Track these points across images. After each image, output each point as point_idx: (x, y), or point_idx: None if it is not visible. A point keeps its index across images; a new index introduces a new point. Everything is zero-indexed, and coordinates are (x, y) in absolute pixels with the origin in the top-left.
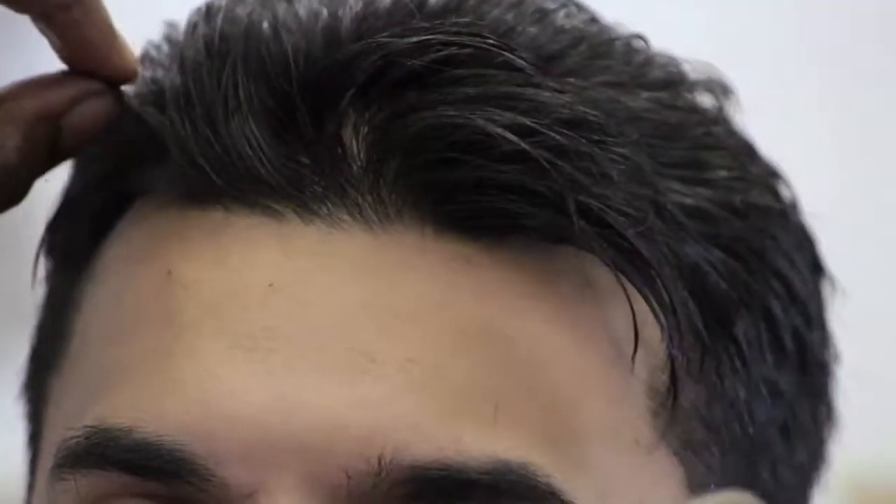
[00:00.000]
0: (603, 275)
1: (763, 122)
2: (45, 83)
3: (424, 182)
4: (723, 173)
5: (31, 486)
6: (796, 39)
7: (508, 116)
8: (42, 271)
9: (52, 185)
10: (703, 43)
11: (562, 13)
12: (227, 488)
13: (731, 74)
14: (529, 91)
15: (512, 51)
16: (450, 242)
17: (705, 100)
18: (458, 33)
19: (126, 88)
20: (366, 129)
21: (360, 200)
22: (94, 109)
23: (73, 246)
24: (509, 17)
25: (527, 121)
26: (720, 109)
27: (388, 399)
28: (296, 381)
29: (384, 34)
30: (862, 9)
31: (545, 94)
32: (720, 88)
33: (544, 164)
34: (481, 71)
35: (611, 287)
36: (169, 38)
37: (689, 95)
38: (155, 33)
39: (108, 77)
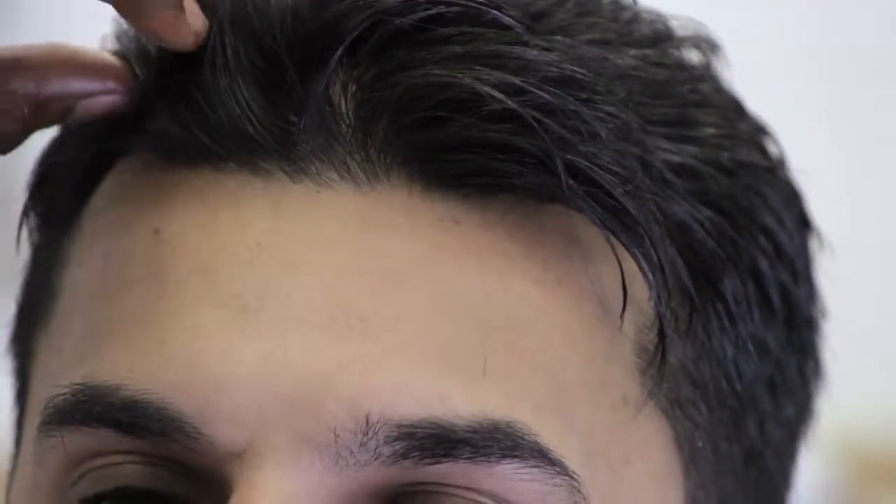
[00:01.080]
0: (591, 233)
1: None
2: (75, 64)
3: (412, 141)
4: (710, 130)
5: (18, 442)
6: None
7: (496, 75)
8: (25, 231)
9: (35, 142)
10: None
11: None
12: (215, 447)
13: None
14: (517, 49)
15: (500, 9)
16: (437, 201)
17: (693, 56)
18: None
19: (111, 45)
20: (354, 88)
21: (348, 159)
22: (108, 103)
23: (57, 204)
24: None
25: (514, 79)
26: (707, 66)
27: (376, 358)
28: (283, 341)
29: None
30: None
31: (533, 53)
32: (707, 45)
33: (532, 122)
34: (469, 29)
35: (599, 245)
36: None
37: (676, 52)
38: None
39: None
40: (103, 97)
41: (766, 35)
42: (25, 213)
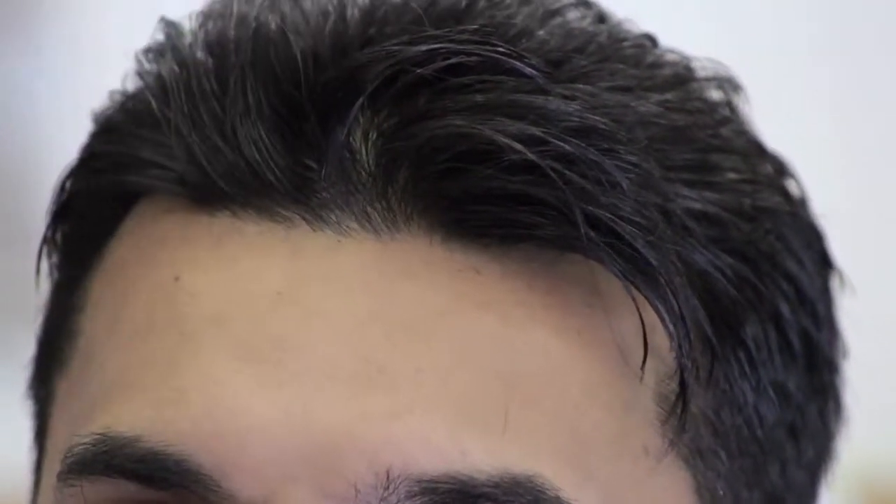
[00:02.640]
0: (611, 283)
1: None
2: None
3: (433, 191)
4: (731, 175)
5: (36, 483)
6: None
7: (516, 126)
8: (45, 266)
9: (53, 178)
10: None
11: (571, 14)
12: (235, 500)
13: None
14: (538, 99)
15: (520, 58)
16: (458, 251)
17: (715, 96)
18: (466, 41)
19: (129, 86)
20: (375, 136)
21: (368, 208)
22: None
23: (77, 242)
24: (518, 19)
25: (535, 130)
26: (730, 107)
27: (397, 411)
28: (304, 393)
29: (393, 41)
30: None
31: (553, 102)
32: (730, 85)
33: (552, 173)
34: (489, 78)
35: (619, 295)
36: (172, 38)
37: (698, 95)
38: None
39: None
40: None
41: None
42: (45, 243)
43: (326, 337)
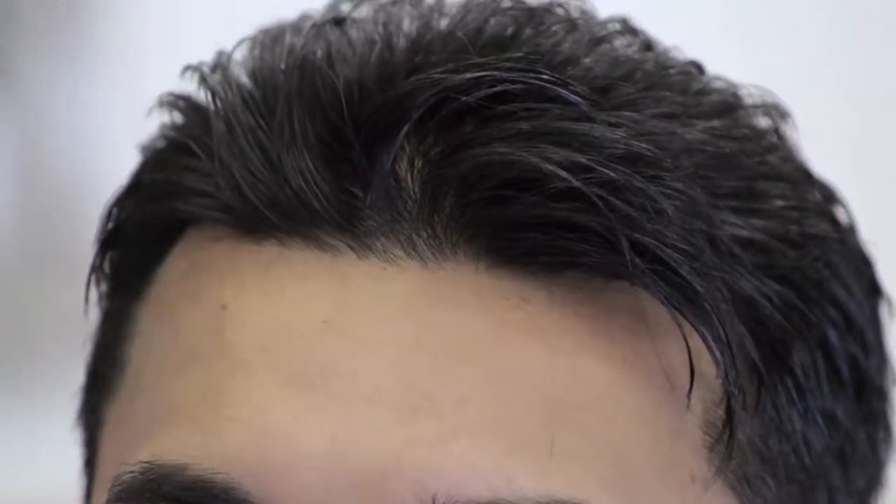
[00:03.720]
0: (657, 310)
1: None
2: None
3: (479, 218)
4: (778, 203)
5: None
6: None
7: (562, 153)
8: (94, 294)
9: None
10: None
11: (617, 41)
12: None
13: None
14: (583, 126)
15: (565, 85)
16: (503, 279)
17: (762, 123)
18: (512, 69)
19: (176, 115)
20: (420, 164)
21: (414, 236)
22: None
23: (126, 270)
24: (564, 47)
25: (580, 157)
26: (777, 134)
27: (443, 438)
28: (350, 420)
29: (439, 69)
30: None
31: (599, 129)
32: (777, 112)
33: (597, 201)
34: (535, 105)
35: (665, 322)
36: (221, 67)
37: (745, 122)
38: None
39: None
40: None
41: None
42: (93, 272)
43: (373, 364)
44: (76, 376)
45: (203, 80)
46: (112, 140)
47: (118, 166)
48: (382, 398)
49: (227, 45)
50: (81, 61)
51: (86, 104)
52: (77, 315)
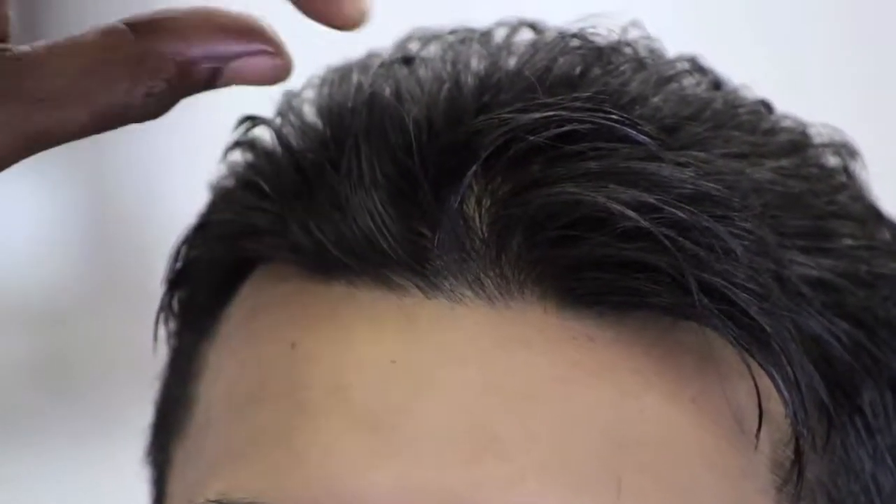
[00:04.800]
0: (726, 350)
1: None
2: (217, 25)
3: (546, 258)
4: (847, 242)
5: None
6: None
7: (630, 193)
8: (162, 332)
9: (168, 246)
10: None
11: (686, 80)
12: None
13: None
14: (651, 166)
15: (634, 125)
16: (571, 319)
17: (831, 162)
18: (580, 108)
19: (246, 155)
20: (488, 203)
21: (482, 276)
22: (260, 66)
23: (194, 309)
24: (632, 86)
25: (648, 197)
26: (846, 173)
27: (511, 479)
28: (418, 461)
29: (507, 109)
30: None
31: (667, 169)
32: (846, 150)
33: (665, 241)
34: (603, 145)
35: (734, 362)
36: (289, 105)
37: (814, 161)
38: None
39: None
40: (254, 59)
41: None
42: (162, 310)
43: (440, 405)
44: (144, 414)
45: (275, 117)
46: (180, 179)
47: (186, 205)
48: (450, 439)
49: (294, 85)
50: None
51: (155, 143)
52: (145, 354)
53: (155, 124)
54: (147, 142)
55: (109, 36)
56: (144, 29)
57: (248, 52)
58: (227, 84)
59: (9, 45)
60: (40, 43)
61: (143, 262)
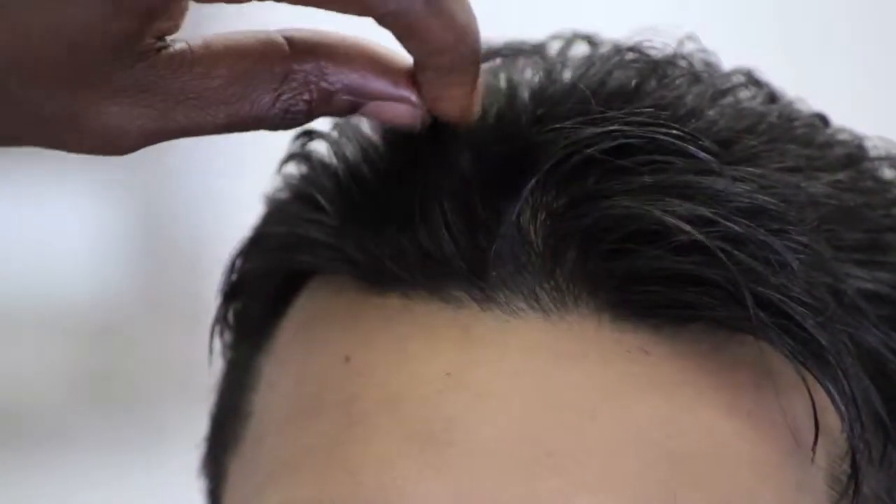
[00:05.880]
0: (782, 364)
1: None
2: (377, 63)
3: (601, 271)
4: None
5: None
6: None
7: (686, 206)
8: (217, 344)
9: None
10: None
11: (741, 93)
12: None
13: None
14: (707, 180)
15: (690, 139)
16: (626, 332)
17: (887, 175)
18: (638, 123)
19: (301, 167)
20: (543, 216)
21: (537, 288)
22: (400, 113)
23: (249, 321)
24: (688, 99)
25: (704, 211)
26: None
27: (566, 493)
28: (472, 475)
29: (565, 123)
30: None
31: (722, 183)
32: None
33: (720, 254)
34: (659, 158)
35: (789, 376)
36: (346, 120)
37: (870, 174)
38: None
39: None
40: (396, 105)
41: None
42: (217, 323)
43: (495, 419)
44: (192, 427)
45: (328, 132)
46: (232, 191)
47: (239, 218)
48: (505, 452)
49: None
50: None
51: (208, 156)
52: (194, 367)
53: (210, 138)
54: (201, 156)
55: (267, 46)
56: (301, 46)
57: (395, 97)
58: (358, 115)
59: (169, 42)
60: (197, 40)
61: (193, 275)
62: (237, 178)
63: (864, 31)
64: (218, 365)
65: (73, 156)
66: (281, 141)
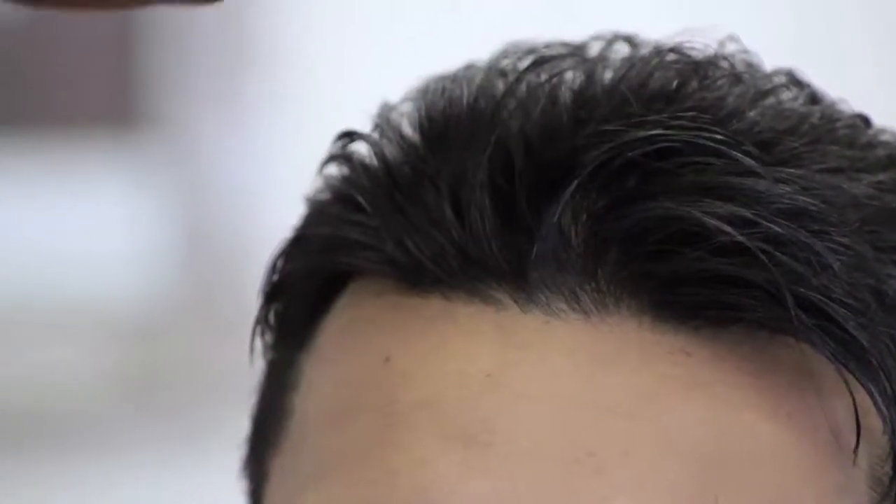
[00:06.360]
0: (823, 365)
1: None
2: None
3: (643, 273)
4: None
5: None
6: None
7: (727, 208)
8: (257, 345)
9: (263, 259)
10: None
11: (783, 94)
12: None
13: None
14: (748, 181)
15: (732, 142)
16: (667, 334)
17: None
18: (679, 126)
19: (342, 168)
20: (584, 217)
21: (578, 289)
22: None
23: (290, 322)
24: (729, 100)
25: (745, 212)
26: None
27: (605, 495)
28: (512, 476)
29: (607, 125)
30: None
31: (763, 184)
32: None
33: (761, 255)
34: (699, 160)
35: (831, 377)
36: (385, 119)
37: None
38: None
39: None
40: None
41: None
42: (258, 323)
43: (535, 420)
44: (233, 428)
45: (368, 132)
46: (273, 193)
47: (279, 219)
48: (544, 453)
49: (391, 98)
50: (247, 114)
51: (249, 157)
52: (235, 368)
53: (251, 140)
54: (241, 157)
55: None
56: None
57: None
58: None
59: None
60: None
61: (234, 277)
62: (276, 178)
63: None
64: (259, 365)
65: (114, 157)
66: (321, 143)
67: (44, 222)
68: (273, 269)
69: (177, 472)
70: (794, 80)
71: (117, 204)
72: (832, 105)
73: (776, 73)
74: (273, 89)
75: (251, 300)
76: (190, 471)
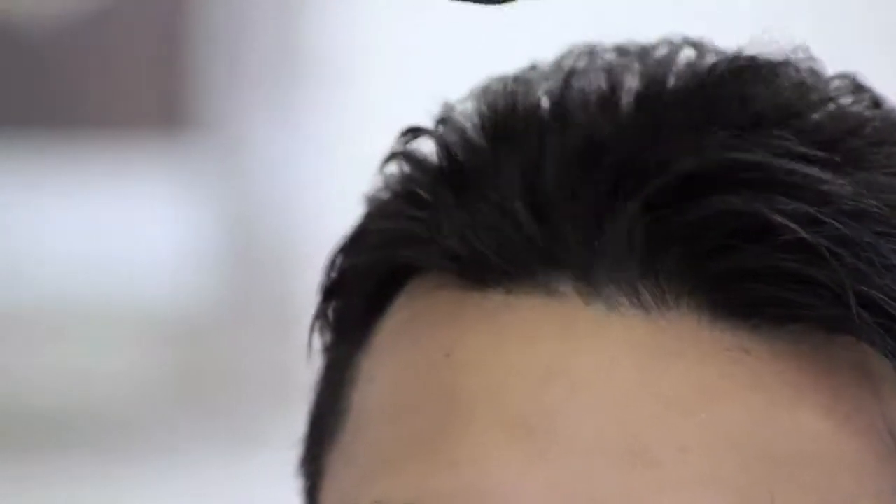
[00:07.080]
0: (883, 365)
1: None
2: None
3: (703, 269)
4: None
5: None
6: None
7: (791, 205)
8: (314, 343)
9: (316, 260)
10: None
11: (845, 98)
12: None
13: None
14: (814, 180)
15: (794, 139)
16: (726, 331)
17: None
18: (743, 128)
19: (403, 165)
20: (648, 212)
21: (639, 285)
22: None
23: (349, 319)
24: (795, 104)
25: (810, 210)
26: None
27: (660, 489)
28: (570, 468)
29: (675, 130)
30: None
31: (828, 185)
32: None
33: (826, 253)
34: (765, 161)
35: (891, 378)
36: (447, 117)
37: None
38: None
39: None
40: None
41: None
42: (317, 320)
43: (594, 412)
44: (279, 428)
45: (430, 129)
46: (320, 197)
47: (327, 218)
48: (603, 446)
49: (454, 96)
50: (297, 119)
51: (298, 161)
52: (288, 368)
53: (300, 144)
54: (289, 158)
55: None
56: None
57: None
58: None
59: None
60: None
61: (282, 276)
62: (324, 178)
63: None
64: (316, 363)
65: (164, 160)
66: (368, 146)
67: (92, 225)
68: (332, 265)
69: (221, 471)
70: (856, 85)
71: (166, 207)
72: (894, 109)
73: (838, 76)
74: (322, 94)
75: (298, 303)
76: (234, 470)
